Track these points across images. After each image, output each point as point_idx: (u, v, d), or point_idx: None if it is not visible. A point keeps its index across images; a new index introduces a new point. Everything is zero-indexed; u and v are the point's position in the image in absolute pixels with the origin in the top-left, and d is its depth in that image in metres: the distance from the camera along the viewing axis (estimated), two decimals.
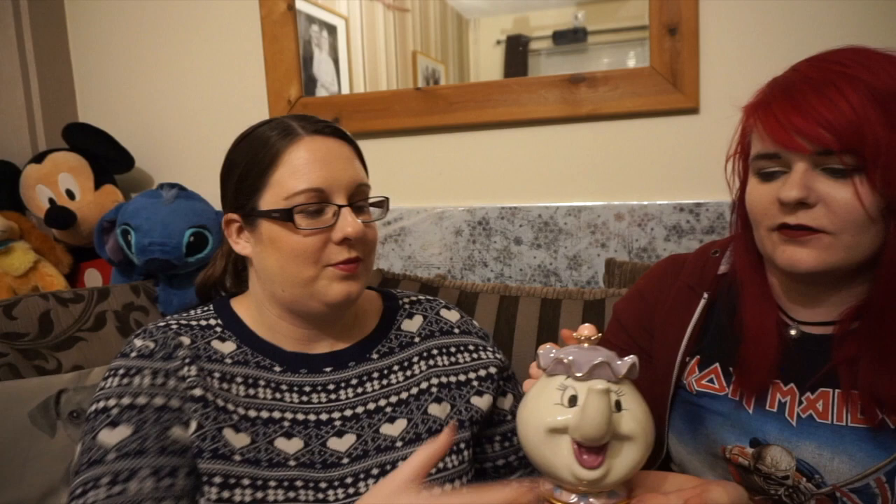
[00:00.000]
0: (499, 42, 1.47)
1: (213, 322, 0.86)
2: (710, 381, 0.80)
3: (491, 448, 0.93)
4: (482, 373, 0.91)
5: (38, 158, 1.60)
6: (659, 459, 0.86)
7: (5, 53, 1.68)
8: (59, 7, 1.78)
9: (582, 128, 1.40)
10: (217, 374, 0.80)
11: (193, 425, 0.76)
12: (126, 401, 0.78)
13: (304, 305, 0.82)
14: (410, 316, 0.94)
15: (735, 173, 0.79)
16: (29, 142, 1.71)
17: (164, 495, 0.75)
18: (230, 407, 0.79)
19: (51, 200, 1.58)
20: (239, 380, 0.81)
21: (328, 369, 0.85)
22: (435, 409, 0.86)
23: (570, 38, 1.41)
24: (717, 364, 0.80)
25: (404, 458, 0.81)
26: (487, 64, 1.48)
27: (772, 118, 0.69)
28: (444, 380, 0.89)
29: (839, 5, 1.23)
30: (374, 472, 0.81)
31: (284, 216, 0.78)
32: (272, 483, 0.77)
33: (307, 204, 0.78)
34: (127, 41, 1.74)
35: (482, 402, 0.89)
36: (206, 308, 0.88)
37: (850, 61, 0.68)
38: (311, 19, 1.57)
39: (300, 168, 0.79)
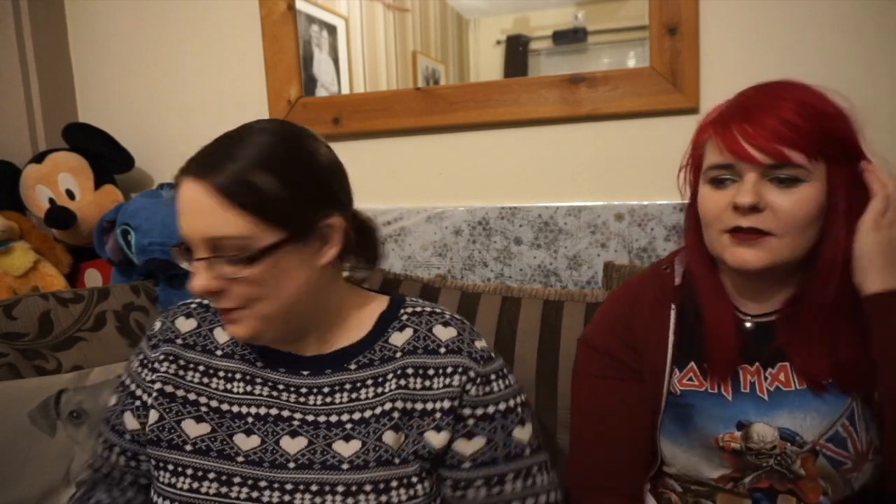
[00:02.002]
0: (499, 42, 1.47)
1: None
2: (690, 379, 0.88)
3: (444, 490, 0.84)
4: (447, 404, 0.81)
5: (38, 158, 1.60)
6: (654, 469, 0.90)
7: (5, 53, 1.68)
8: (59, 7, 1.78)
9: (582, 128, 1.40)
10: (202, 368, 0.87)
11: (154, 416, 0.85)
12: (124, 377, 0.93)
13: None
14: (402, 328, 0.87)
15: (686, 183, 0.90)
16: (29, 142, 1.71)
17: (137, 473, 0.91)
18: (202, 399, 0.85)
19: (51, 200, 1.58)
20: (221, 374, 0.86)
21: (305, 373, 0.85)
22: (389, 438, 0.80)
23: (570, 38, 1.41)
24: (692, 363, 0.88)
25: (346, 484, 0.78)
26: (487, 64, 1.48)
27: (729, 133, 0.78)
28: (408, 406, 0.82)
29: (839, 5, 1.23)
30: (314, 488, 0.79)
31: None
32: (211, 475, 0.81)
33: (179, 253, 0.79)
34: (127, 41, 1.74)
35: (438, 438, 0.81)
36: None
37: (791, 88, 0.80)
38: (311, 19, 1.57)
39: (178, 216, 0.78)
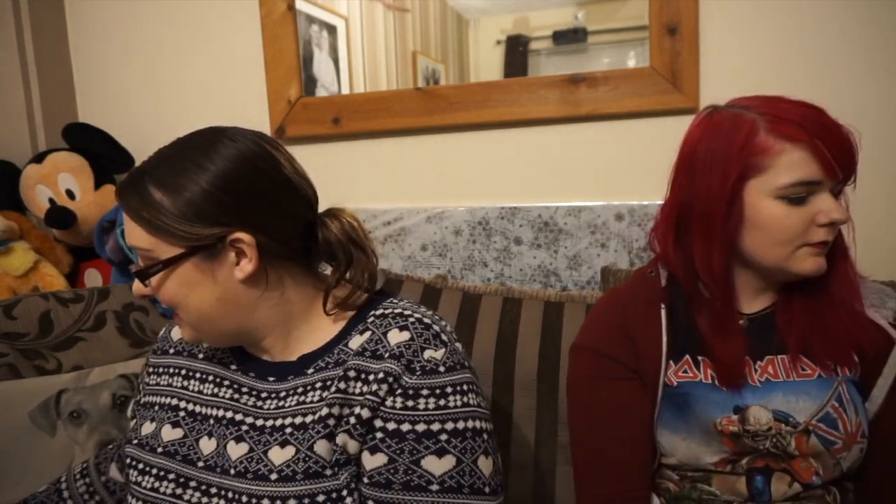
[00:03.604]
0: (499, 42, 1.47)
1: None
2: (685, 371, 0.91)
3: None
4: (366, 413, 0.74)
5: (38, 158, 1.60)
6: (655, 464, 0.92)
7: (5, 53, 1.68)
8: (59, 7, 1.78)
9: (582, 128, 1.40)
10: (183, 372, 0.90)
11: (151, 426, 0.88)
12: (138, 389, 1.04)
13: None
14: (362, 332, 0.80)
15: (717, 185, 0.85)
16: (29, 142, 1.71)
17: None
18: (182, 404, 0.87)
19: (51, 200, 1.58)
20: (198, 375, 0.89)
21: (272, 378, 0.84)
22: (321, 447, 0.75)
23: (570, 38, 1.41)
24: (687, 356, 0.92)
25: (271, 498, 0.74)
26: (487, 64, 1.48)
27: (817, 148, 0.82)
28: (341, 411, 0.75)
29: (839, 5, 1.23)
30: (244, 499, 0.76)
31: None
32: (171, 475, 0.82)
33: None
34: (127, 41, 1.74)
35: (350, 443, 0.75)
36: None
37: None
38: (311, 19, 1.57)
39: None
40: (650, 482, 0.92)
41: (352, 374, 0.77)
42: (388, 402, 0.74)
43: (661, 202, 1.00)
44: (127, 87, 1.76)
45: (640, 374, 0.92)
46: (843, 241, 0.90)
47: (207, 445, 0.83)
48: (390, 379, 0.74)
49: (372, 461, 0.74)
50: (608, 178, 1.39)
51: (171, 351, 0.93)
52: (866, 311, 0.90)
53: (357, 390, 0.76)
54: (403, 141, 1.53)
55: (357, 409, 0.75)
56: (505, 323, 1.19)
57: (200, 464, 0.82)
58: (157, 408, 0.89)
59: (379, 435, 0.74)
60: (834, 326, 0.88)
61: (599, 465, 0.91)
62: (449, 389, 0.75)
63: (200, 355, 0.90)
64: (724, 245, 0.87)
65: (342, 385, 0.76)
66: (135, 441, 0.88)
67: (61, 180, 1.58)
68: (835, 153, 0.82)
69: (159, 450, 0.85)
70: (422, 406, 0.74)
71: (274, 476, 0.75)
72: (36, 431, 1.17)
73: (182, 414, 0.86)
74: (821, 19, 1.24)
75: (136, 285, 0.80)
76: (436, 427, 0.73)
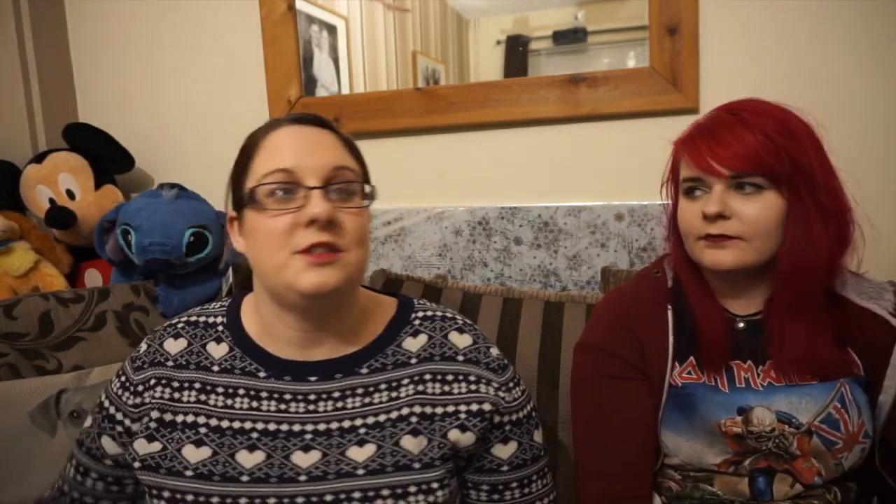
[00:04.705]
0: (499, 42, 1.47)
1: (219, 319, 0.89)
2: (689, 373, 0.92)
3: (476, 496, 0.86)
4: (473, 407, 0.82)
5: (39, 158, 1.60)
6: (656, 465, 0.92)
7: (5, 53, 1.68)
8: (59, 7, 1.78)
9: (582, 128, 1.40)
10: (197, 385, 0.84)
11: (156, 447, 0.81)
12: (102, 398, 0.89)
13: (284, 297, 0.79)
14: (416, 334, 0.86)
15: (669, 196, 0.98)
16: (29, 142, 1.71)
17: (118, 497, 0.90)
18: (200, 420, 0.82)
19: (51, 200, 1.58)
20: (220, 390, 0.83)
21: (313, 378, 0.82)
22: (408, 443, 0.79)
23: (570, 38, 1.41)
24: (691, 357, 0.93)
25: (363, 490, 0.77)
26: (487, 64, 1.48)
27: (696, 150, 0.88)
28: (427, 410, 0.81)
29: (839, 5, 1.23)
30: (328, 498, 0.77)
31: (249, 197, 0.77)
32: (214, 499, 0.78)
33: (270, 183, 0.76)
34: (127, 41, 1.74)
35: (463, 438, 0.81)
36: (223, 303, 0.92)
37: (753, 105, 0.89)
38: (311, 19, 1.57)
39: (276, 151, 0.78)
40: (652, 482, 0.92)
41: (427, 377, 0.83)
42: (504, 399, 0.84)
43: (661, 202, 1.01)
44: (127, 87, 1.76)
45: (644, 374, 0.92)
46: (795, 245, 0.87)
47: (250, 458, 0.79)
48: (483, 381, 0.84)
49: (507, 450, 0.85)
50: (608, 178, 1.39)
51: (171, 364, 0.85)
52: (864, 304, 0.90)
53: (439, 390, 0.82)
54: (403, 141, 1.53)
55: (454, 407, 0.82)
56: (505, 323, 1.19)
57: (245, 478, 0.78)
58: (166, 428, 0.82)
59: (507, 428, 0.85)
60: (810, 342, 0.88)
61: (602, 464, 0.91)
62: (517, 378, 0.89)
63: (215, 368, 0.84)
64: (678, 238, 0.95)
65: (420, 387, 0.82)
66: (137, 465, 0.81)
67: (61, 180, 1.58)
68: (713, 151, 0.86)
69: (188, 472, 0.79)
70: (517, 395, 0.86)
71: (361, 471, 0.78)
72: (36, 431, 1.17)
73: (204, 430, 0.81)
74: (821, 19, 1.24)
75: (326, 206, 0.75)
76: (529, 408, 0.88)
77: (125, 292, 1.40)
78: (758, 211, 0.85)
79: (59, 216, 1.55)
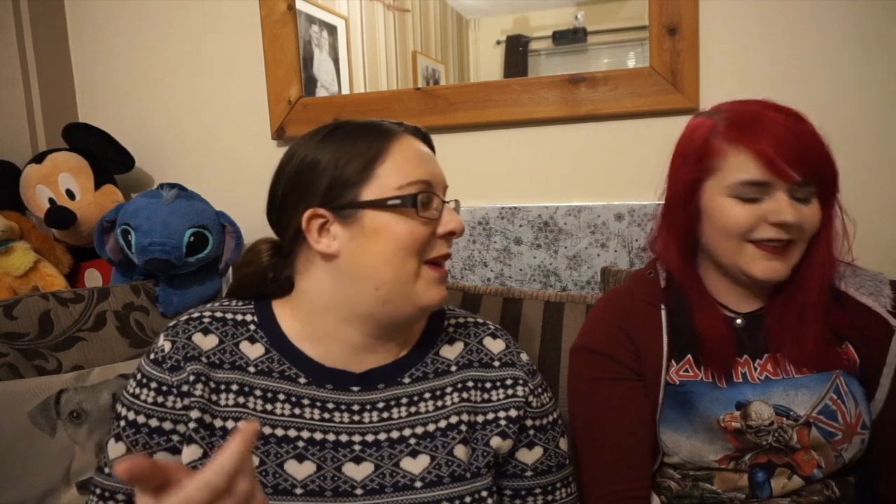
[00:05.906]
0: (499, 42, 1.47)
1: (248, 318, 0.84)
2: (686, 370, 0.93)
3: (499, 500, 0.85)
4: (512, 413, 0.83)
5: (38, 158, 1.60)
6: (655, 465, 0.93)
7: (5, 53, 1.68)
8: (59, 7, 1.78)
9: (582, 128, 1.40)
10: (235, 387, 0.79)
11: (194, 449, 0.76)
12: (131, 416, 0.80)
13: (394, 305, 0.78)
14: (451, 341, 0.87)
15: (681, 184, 0.93)
16: (29, 142, 1.71)
17: None
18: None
19: (51, 200, 1.58)
20: (258, 392, 0.79)
21: (355, 388, 0.81)
22: (461, 452, 0.80)
23: (570, 38, 1.41)
24: (689, 356, 0.93)
25: (423, 503, 0.76)
26: (487, 64, 1.48)
27: (764, 151, 0.84)
28: (472, 418, 0.82)
29: (838, 5, 1.23)
30: None
31: (407, 202, 0.77)
32: None
33: (422, 193, 0.78)
34: (127, 41, 1.74)
35: (503, 444, 0.82)
36: (247, 301, 0.86)
37: (794, 112, 0.87)
38: (311, 19, 1.57)
39: (410, 160, 0.80)
40: (651, 481, 0.92)
41: (469, 384, 0.84)
42: (532, 403, 0.85)
43: (661, 202, 1.00)
44: (127, 87, 1.76)
45: (640, 374, 0.93)
46: (827, 253, 0.90)
47: (300, 470, 0.76)
48: (520, 382, 0.85)
49: (532, 455, 0.85)
50: (608, 178, 1.39)
51: (205, 361, 0.79)
52: (863, 300, 0.91)
53: (480, 398, 0.84)
54: None
55: (494, 414, 0.83)
56: (505, 323, 1.19)
57: (299, 490, 0.75)
58: (205, 429, 0.76)
59: (531, 432, 0.85)
60: (814, 339, 0.89)
61: (600, 465, 0.92)
62: (545, 384, 0.90)
63: (251, 369, 0.80)
64: (680, 237, 0.94)
65: (464, 395, 0.83)
66: None
67: (61, 180, 1.58)
68: (784, 155, 0.83)
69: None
70: (545, 400, 0.88)
71: (419, 484, 0.77)
72: (36, 431, 1.17)
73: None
74: (820, 20, 1.24)
75: (462, 222, 0.81)
76: (555, 415, 0.89)
77: (125, 292, 1.40)
78: (813, 216, 0.86)
79: (59, 216, 1.54)
